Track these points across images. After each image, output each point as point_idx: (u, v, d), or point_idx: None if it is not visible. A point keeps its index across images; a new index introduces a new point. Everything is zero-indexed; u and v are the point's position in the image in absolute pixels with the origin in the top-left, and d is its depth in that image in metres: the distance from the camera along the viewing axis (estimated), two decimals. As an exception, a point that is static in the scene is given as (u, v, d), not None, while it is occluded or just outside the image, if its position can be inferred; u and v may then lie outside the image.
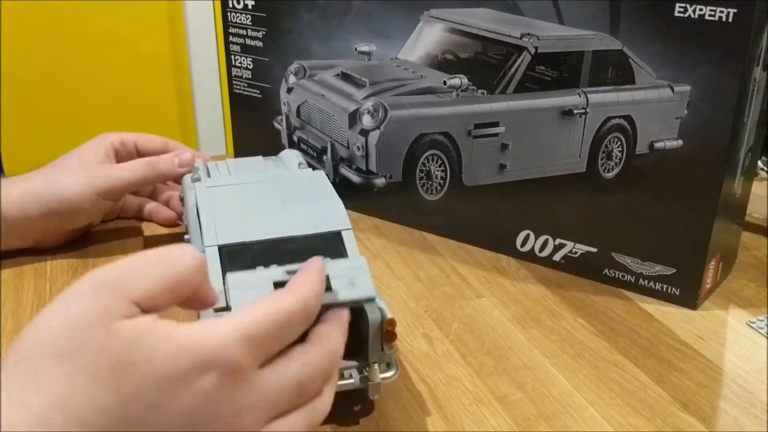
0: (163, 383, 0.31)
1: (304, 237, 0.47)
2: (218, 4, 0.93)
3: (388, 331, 0.44)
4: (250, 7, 0.71)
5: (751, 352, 0.53)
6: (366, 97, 0.67)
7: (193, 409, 0.32)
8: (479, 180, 0.65)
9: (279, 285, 0.41)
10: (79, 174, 0.61)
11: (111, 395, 0.31)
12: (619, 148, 0.58)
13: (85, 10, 1.65)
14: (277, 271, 0.42)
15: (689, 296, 0.58)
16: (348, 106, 0.68)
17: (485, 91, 0.62)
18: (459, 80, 0.63)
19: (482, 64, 0.63)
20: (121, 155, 0.65)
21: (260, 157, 0.64)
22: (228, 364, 0.33)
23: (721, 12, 0.50)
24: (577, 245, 0.62)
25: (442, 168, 0.66)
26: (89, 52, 1.69)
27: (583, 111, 0.59)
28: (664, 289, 0.59)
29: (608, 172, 0.59)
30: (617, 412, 0.47)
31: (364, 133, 0.68)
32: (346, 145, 0.70)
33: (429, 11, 0.63)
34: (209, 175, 0.59)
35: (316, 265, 0.40)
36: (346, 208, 0.50)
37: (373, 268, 0.55)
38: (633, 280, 0.60)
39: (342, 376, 0.44)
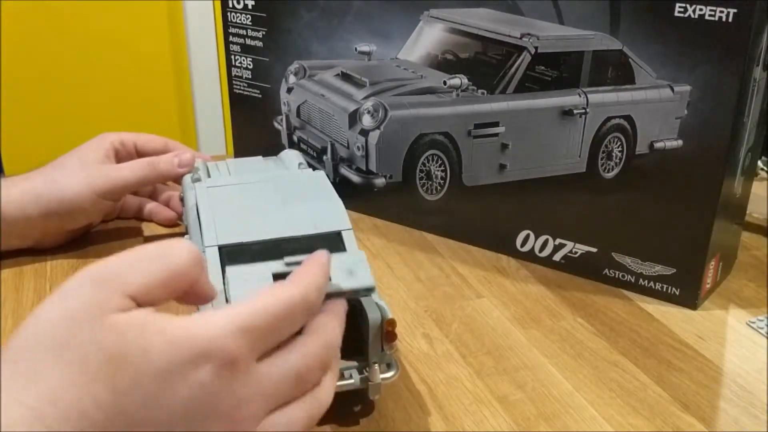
0: (159, 376, 0.31)
1: (304, 237, 0.47)
2: (218, 4, 0.93)
3: (388, 331, 0.43)
4: (250, 7, 0.71)
5: (751, 352, 0.53)
6: (366, 97, 0.67)
7: (190, 401, 0.32)
8: (479, 180, 0.65)
9: (279, 277, 0.41)
10: (79, 174, 0.61)
11: (107, 389, 0.30)
12: (619, 148, 0.58)
13: (85, 10, 1.65)
14: (276, 263, 0.42)
15: (689, 296, 0.58)
16: (348, 106, 0.68)
17: (485, 91, 0.62)
18: (459, 80, 0.63)
19: (482, 64, 0.63)
20: (121, 155, 0.65)
21: (260, 157, 0.64)
22: (224, 356, 0.32)
23: (721, 12, 0.50)
24: (577, 245, 0.62)
25: (442, 168, 0.66)
26: (89, 52, 1.69)
27: (583, 111, 0.59)
28: (664, 289, 0.59)
29: (608, 172, 0.59)
30: (617, 412, 0.47)
31: (364, 133, 0.68)
32: (346, 145, 0.70)
33: (429, 11, 0.63)
34: (209, 175, 0.59)
35: (320, 258, 0.39)
36: (346, 208, 0.50)
37: (373, 268, 0.55)
38: (633, 280, 0.60)
39: (342, 377, 0.44)
